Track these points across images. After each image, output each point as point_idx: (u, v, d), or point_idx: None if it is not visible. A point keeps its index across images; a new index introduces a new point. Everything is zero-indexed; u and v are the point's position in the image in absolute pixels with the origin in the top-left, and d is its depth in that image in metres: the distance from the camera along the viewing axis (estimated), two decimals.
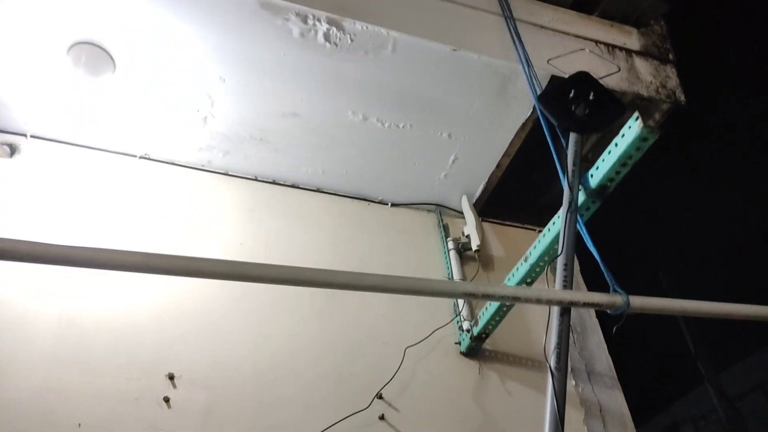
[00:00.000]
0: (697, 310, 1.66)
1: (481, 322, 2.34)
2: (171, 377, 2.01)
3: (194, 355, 2.09)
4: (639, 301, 1.57)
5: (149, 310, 2.14)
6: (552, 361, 1.47)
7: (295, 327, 2.29)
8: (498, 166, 2.85)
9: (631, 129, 1.80)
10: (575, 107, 2.09)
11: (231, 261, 1.28)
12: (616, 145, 1.84)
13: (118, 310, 2.11)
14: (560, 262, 1.66)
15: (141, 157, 2.60)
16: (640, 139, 1.78)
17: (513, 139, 2.72)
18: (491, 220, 3.07)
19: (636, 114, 1.83)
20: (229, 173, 2.71)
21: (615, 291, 1.62)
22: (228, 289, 2.27)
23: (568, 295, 1.53)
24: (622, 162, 1.83)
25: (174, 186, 2.58)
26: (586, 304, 1.54)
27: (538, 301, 1.52)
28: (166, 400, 1.96)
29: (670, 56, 2.70)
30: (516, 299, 1.49)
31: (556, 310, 1.57)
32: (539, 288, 1.87)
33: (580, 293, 1.61)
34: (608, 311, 1.61)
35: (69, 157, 2.50)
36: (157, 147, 2.59)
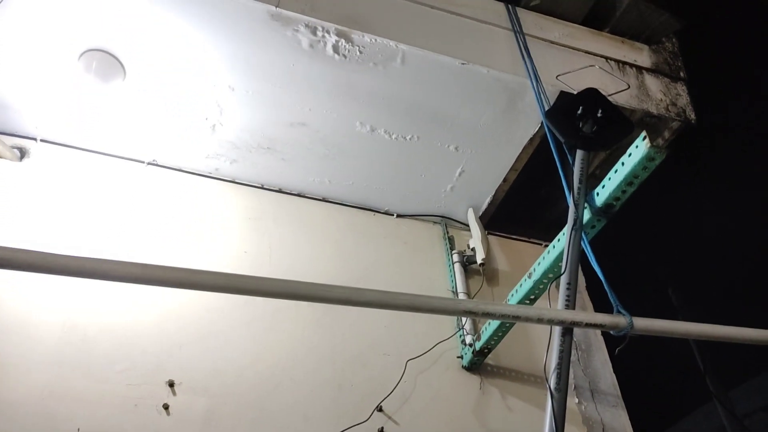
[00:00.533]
0: (700, 333, 1.64)
1: (484, 337, 2.32)
2: (171, 384, 2.02)
3: (195, 362, 2.09)
4: (642, 323, 1.55)
5: (151, 317, 2.15)
6: (552, 382, 1.45)
7: (296, 336, 2.29)
8: (505, 180, 2.84)
9: (638, 149, 1.78)
10: (583, 124, 2.08)
11: (229, 274, 1.28)
12: (623, 164, 1.82)
13: (120, 316, 2.12)
14: (563, 281, 1.65)
15: (149, 164, 2.62)
16: (647, 159, 1.76)
17: (520, 154, 2.71)
18: (497, 233, 3.06)
19: (643, 134, 1.81)
20: (236, 181, 2.72)
21: (618, 312, 1.60)
22: (230, 297, 2.27)
23: (570, 315, 1.52)
24: (628, 181, 1.81)
25: (181, 193, 2.59)
26: (588, 325, 1.52)
27: (539, 321, 1.51)
28: (166, 407, 1.96)
29: (682, 74, 2.68)
30: (517, 318, 1.48)
31: (557, 329, 1.55)
32: (541, 307, 1.86)
33: (583, 313, 1.59)
34: (611, 332, 1.59)
35: (78, 162, 2.52)
36: (165, 153, 2.61)
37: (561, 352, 1.51)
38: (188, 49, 2.21)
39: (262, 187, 2.75)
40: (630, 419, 2.50)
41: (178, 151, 2.60)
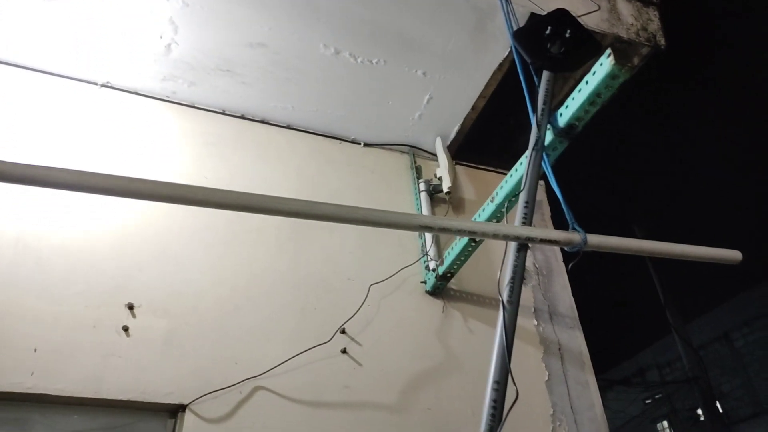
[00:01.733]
0: (652, 250, 1.67)
1: (447, 262, 2.35)
2: (130, 307, 2.00)
3: (154, 285, 2.07)
4: (596, 239, 1.57)
5: (109, 237, 2.11)
6: (505, 295, 1.47)
7: (258, 261, 2.28)
8: (473, 108, 2.80)
9: (602, 66, 1.76)
10: (551, 45, 2.03)
11: (174, 183, 1.23)
12: (587, 82, 1.80)
13: (76, 236, 2.07)
14: (521, 199, 1.65)
15: (102, 86, 2.50)
16: (611, 77, 1.74)
17: (489, 80, 2.66)
18: (464, 163, 3.04)
19: (608, 51, 1.78)
20: (195, 105, 2.62)
21: (574, 229, 1.62)
22: (191, 220, 2.24)
23: (526, 231, 1.53)
24: (591, 100, 1.79)
25: (137, 116, 2.49)
26: (543, 241, 1.53)
27: (495, 236, 1.52)
28: (125, 328, 1.95)
29: None
30: (473, 234, 1.48)
31: (513, 246, 1.56)
32: (497, 223, 1.86)
33: (538, 230, 1.60)
34: (566, 248, 1.61)
35: (27, 83, 2.39)
36: (119, 75, 2.49)
37: (515, 267, 1.53)
38: None
39: (223, 113, 2.66)
40: (590, 345, 2.59)
41: (133, 72, 2.48)
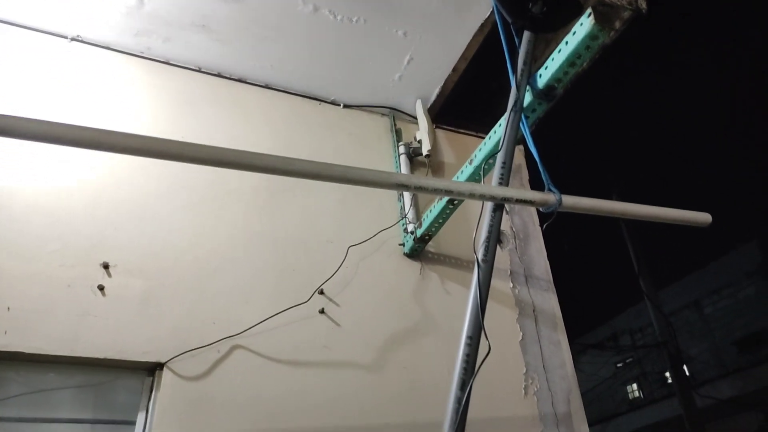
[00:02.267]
0: (624, 211, 1.70)
1: (425, 224, 2.36)
2: (106, 266, 1.98)
3: (131, 244, 2.05)
4: (570, 201, 1.59)
5: (84, 195, 2.07)
6: (480, 254, 1.49)
7: (237, 221, 2.26)
8: (454, 69, 2.77)
9: (583, 26, 1.75)
10: (532, 5, 2.02)
11: (147, 136, 1.21)
12: (567, 43, 1.78)
13: (50, 193, 2.03)
14: (499, 159, 1.66)
15: (73, 39, 2.41)
16: (591, 37, 1.73)
17: (471, 42, 2.63)
18: (445, 127, 3.03)
19: (589, 10, 1.77)
20: (171, 62, 2.55)
21: (549, 190, 1.63)
22: (168, 179, 2.21)
23: (501, 192, 1.54)
24: (570, 62, 1.78)
25: (109, 72, 2.42)
26: (518, 201, 1.55)
27: (471, 196, 1.52)
28: (101, 288, 1.94)
29: None
30: (449, 192, 1.49)
31: (489, 206, 1.58)
32: (473, 183, 1.87)
33: (514, 190, 1.61)
34: (541, 209, 1.63)
35: None
36: (90, 28, 2.40)
37: (490, 226, 1.54)
38: None
39: (199, 70, 2.60)
40: (567, 311, 2.65)
41: (105, 25, 2.39)
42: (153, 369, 1.91)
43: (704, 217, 1.79)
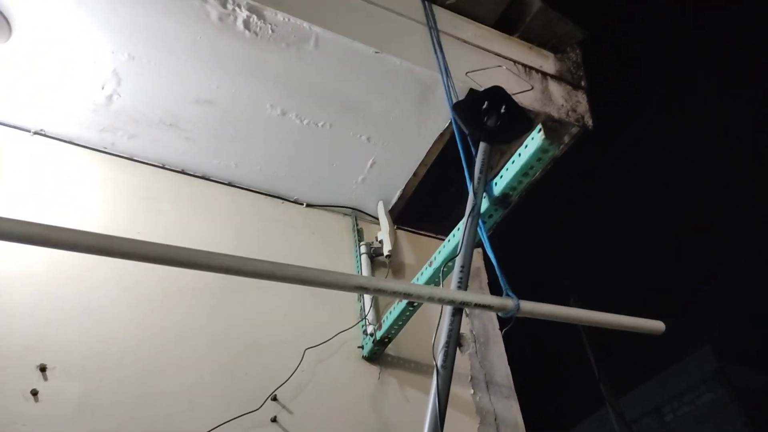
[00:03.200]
0: (580, 318, 1.72)
1: (385, 326, 2.32)
2: (43, 369, 1.85)
3: (72, 344, 1.93)
4: (529, 306, 1.60)
5: (23, 296, 1.96)
6: (439, 360, 1.46)
7: (187, 321, 2.17)
8: (415, 174, 2.87)
9: (534, 140, 1.86)
10: (487, 119, 2.15)
11: (98, 233, 1.17)
12: (519, 155, 1.89)
13: None
14: (457, 263, 1.67)
15: (35, 133, 2.41)
16: (541, 150, 1.84)
17: (431, 149, 2.76)
18: (406, 228, 3.08)
19: (539, 126, 1.90)
20: (134, 158, 2.56)
21: (507, 295, 1.64)
22: (117, 275, 2.13)
23: (461, 296, 1.54)
24: (524, 172, 1.88)
25: (70, 167, 2.40)
26: (477, 305, 1.55)
27: (431, 299, 1.52)
28: (34, 393, 1.79)
29: (582, 83, 2.83)
30: (409, 296, 1.48)
31: (448, 309, 1.56)
32: (433, 286, 1.87)
33: (473, 294, 1.61)
34: (499, 314, 1.63)
35: None
36: (54, 123, 2.41)
37: (450, 331, 1.52)
38: (84, 9, 2.06)
39: (163, 167, 2.61)
40: (525, 414, 2.57)
41: (70, 121, 2.41)
42: None
43: (658, 326, 1.82)
